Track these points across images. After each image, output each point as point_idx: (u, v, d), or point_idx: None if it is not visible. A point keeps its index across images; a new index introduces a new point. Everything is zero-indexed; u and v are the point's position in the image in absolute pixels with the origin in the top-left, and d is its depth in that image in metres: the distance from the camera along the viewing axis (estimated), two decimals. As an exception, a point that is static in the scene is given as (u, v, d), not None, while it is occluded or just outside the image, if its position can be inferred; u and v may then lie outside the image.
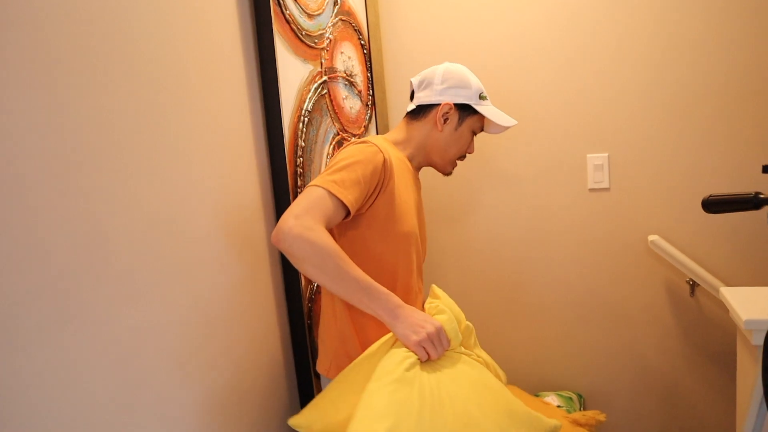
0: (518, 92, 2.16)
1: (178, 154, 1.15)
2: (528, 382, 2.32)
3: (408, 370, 1.12)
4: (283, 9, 1.49)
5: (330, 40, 1.76)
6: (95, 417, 0.92)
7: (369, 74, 2.08)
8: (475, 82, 1.54)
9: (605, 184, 2.13)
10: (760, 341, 1.23)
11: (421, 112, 1.53)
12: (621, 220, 2.14)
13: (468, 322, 1.34)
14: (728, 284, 2.06)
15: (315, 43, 1.66)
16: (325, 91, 1.72)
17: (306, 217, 1.19)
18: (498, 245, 2.27)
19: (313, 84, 1.65)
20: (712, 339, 2.13)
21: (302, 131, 1.58)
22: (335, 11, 1.80)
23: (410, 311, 1.22)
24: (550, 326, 2.28)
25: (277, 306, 1.50)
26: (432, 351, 1.19)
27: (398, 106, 2.27)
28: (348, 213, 1.29)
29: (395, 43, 2.24)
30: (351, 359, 1.34)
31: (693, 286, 2.11)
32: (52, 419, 0.84)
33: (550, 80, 2.12)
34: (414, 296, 1.47)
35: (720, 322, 2.10)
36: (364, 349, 1.35)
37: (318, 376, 1.60)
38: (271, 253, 1.48)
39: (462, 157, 1.59)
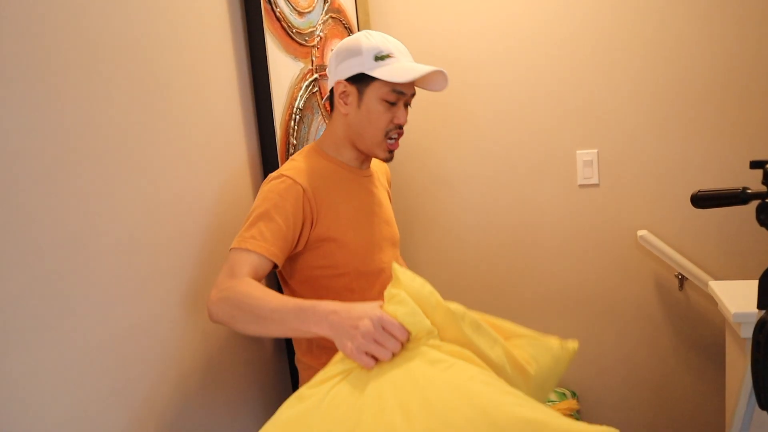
0: (508, 89, 2.17)
1: (169, 154, 1.15)
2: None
3: (311, 387, 0.91)
4: (274, 7, 1.49)
5: (320, 38, 1.76)
6: (91, 415, 0.92)
7: (359, 72, 2.08)
8: (368, 44, 1.31)
9: (595, 180, 2.15)
10: (749, 334, 1.24)
11: (330, 101, 1.40)
12: (610, 215, 2.15)
13: (455, 305, 0.98)
14: (717, 278, 2.08)
15: (306, 40, 1.66)
16: (315, 88, 1.72)
17: (224, 283, 1.11)
18: (488, 241, 2.28)
19: (304, 82, 1.65)
20: (701, 332, 2.15)
21: (294, 129, 1.59)
22: (325, 9, 1.80)
23: (344, 313, 0.96)
24: (541, 321, 2.29)
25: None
26: (378, 351, 0.91)
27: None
28: (276, 265, 1.21)
29: (385, 41, 2.24)
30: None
31: (682, 280, 2.13)
32: (44, 417, 0.84)
33: (539, 77, 2.13)
34: None
35: (709, 315, 2.13)
36: None
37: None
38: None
39: (393, 134, 1.36)
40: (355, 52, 1.32)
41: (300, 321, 0.99)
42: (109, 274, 0.97)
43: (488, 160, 2.23)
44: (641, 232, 2.10)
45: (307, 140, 1.66)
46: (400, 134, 1.38)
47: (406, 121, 1.36)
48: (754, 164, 0.93)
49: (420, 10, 2.20)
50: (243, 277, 1.11)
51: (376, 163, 1.55)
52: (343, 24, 1.94)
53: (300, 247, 1.28)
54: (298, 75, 1.62)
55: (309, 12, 1.69)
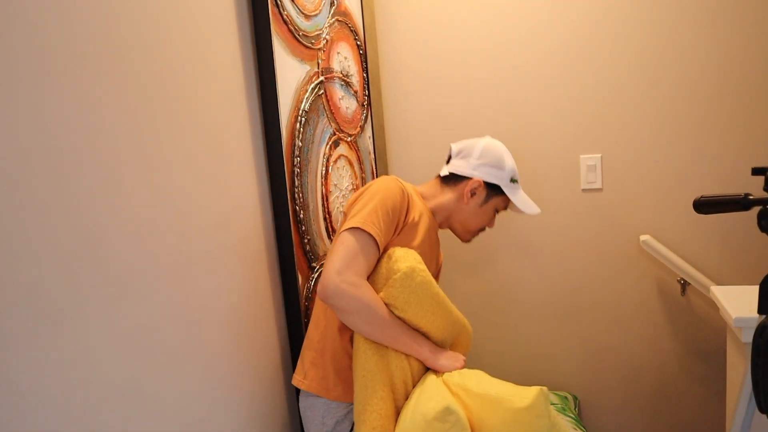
0: (512, 93, 2.18)
1: (175, 155, 1.16)
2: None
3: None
4: (281, 9, 1.50)
5: (327, 41, 1.77)
6: (91, 415, 0.93)
7: (365, 75, 2.09)
8: (510, 165, 1.61)
9: (598, 185, 2.16)
10: (749, 338, 1.25)
11: (452, 179, 1.63)
12: (613, 220, 2.16)
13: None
14: (719, 283, 2.08)
15: (312, 43, 1.67)
16: (321, 91, 1.73)
17: (348, 273, 1.27)
18: (491, 244, 2.29)
19: (310, 84, 1.67)
20: (703, 337, 2.15)
21: (299, 131, 1.60)
22: (332, 12, 1.81)
23: (441, 349, 1.41)
24: (543, 325, 2.30)
25: (274, 306, 1.51)
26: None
27: (393, 106, 2.28)
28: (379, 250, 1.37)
29: (391, 44, 2.25)
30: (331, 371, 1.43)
31: (684, 285, 2.13)
32: (48, 418, 0.86)
33: (544, 82, 2.14)
34: None
35: (711, 320, 2.13)
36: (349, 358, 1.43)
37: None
38: (269, 252, 1.49)
39: (482, 230, 1.67)
40: (500, 165, 1.60)
41: (416, 343, 1.34)
42: (116, 273, 0.98)
43: (492, 164, 2.23)
44: (644, 237, 2.10)
45: (313, 142, 1.68)
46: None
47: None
48: (756, 171, 0.94)
49: (425, 17, 2.21)
50: (365, 281, 1.31)
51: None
52: (349, 27, 1.96)
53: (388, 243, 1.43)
54: (304, 78, 1.64)
55: (315, 15, 1.70)
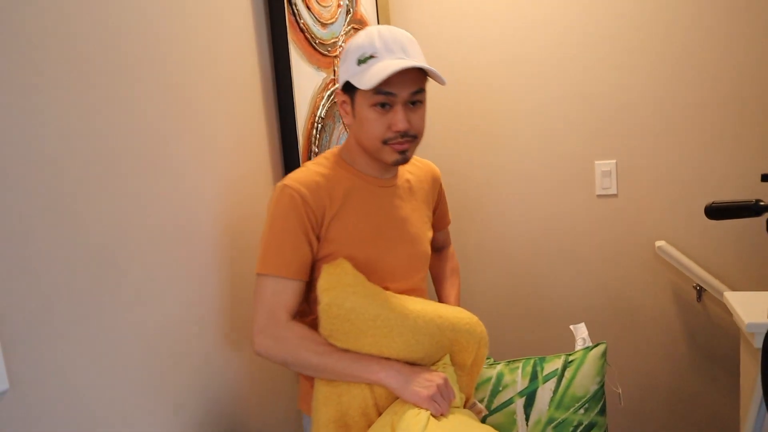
0: (528, 99, 2.19)
1: (195, 160, 1.19)
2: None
3: (424, 429, 1.06)
4: (298, 18, 1.53)
5: (342, 48, 1.81)
6: (92, 412, 0.96)
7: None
8: (354, 46, 1.21)
9: (613, 191, 2.16)
10: (761, 344, 1.25)
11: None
12: (628, 225, 2.16)
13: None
14: (734, 289, 2.08)
15: (328, 51, 1.70)
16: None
17: (269, 327, 1.16)
18: (508, 249, 2.30)
19: (326, 91, 1.70)
20: (718, 343, 2.15)
21: (316, 137, 1.63)
22: (348, 20, 1.85)
23: (412, 370, 1.16)
24: (559, 329, 2.30)
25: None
26: (442, 404, 1.13)
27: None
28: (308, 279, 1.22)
29: (406, 51, 2.28)
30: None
31: (700, 291, 2.13)
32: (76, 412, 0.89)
33: (559, 88, 2.15)
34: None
35: (726, 326, 2.12)
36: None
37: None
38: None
39: (395, 138, 1.20)
40: (344, 57, 1.24)
41: (363, 368, 1.14)
42: (135, 274, 1.01)
43: (508, 171, 2.25)
44: (659, 243, 2.10)
45: (329, 147, 1.70)
46: (409, 141, 1.22)
47: (407, 126, 1.19)
48: (765, 177, 0.95)
49: (442, 23, 2.24)
50: (287, 324, 1.16)
51: (419, 169, 1.42)
52: (365, 35, 1.99)
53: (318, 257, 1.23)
54: (321, 85, 1.67)
55: (332, 23, 1.73)
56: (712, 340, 2.15)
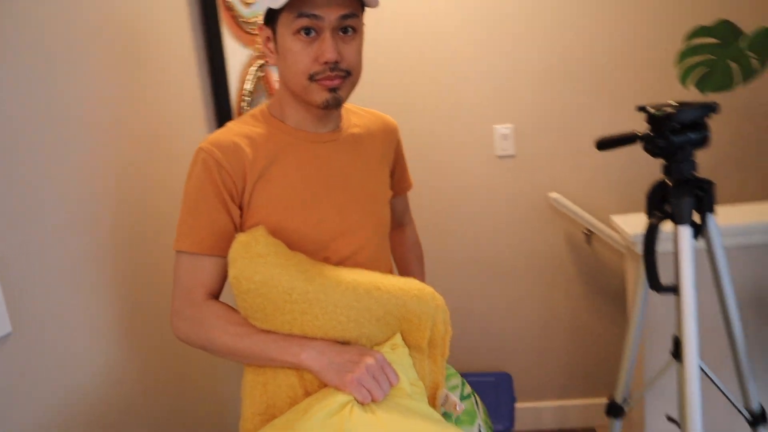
0: (430, 68, 2.39)
1: (130, 131, 1.25)
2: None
3: (332, 415, 0.90)
4: (224, -2, 1.63)
5: (262, 27, 1.92)
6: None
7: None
8: None
9: (511, 152, 2.41)
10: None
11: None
12: (525, 181, 2.43)
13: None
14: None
15: (251, 29, 1.81)
16: (261, 73, 1.87)
17: (184, 308, 1.05)
18: (415, 209, 2.50)
19: (252, 67, 1.81)
20: (608, 281, 2.46)
21: (245, 109, 1.74)
22: (264, 0, 1.95)
23: (342, 348, 1.00)
24: (466, 282, 2.53)
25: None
26: (375, 389, 0.95)
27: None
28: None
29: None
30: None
31: (589, 235, 2.43)
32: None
33: (458, 58, 2.37)
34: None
35: (613, 265, 2.44)
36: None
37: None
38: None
39: (323, 72, 1.04)
40: None
41: (282, 350, 0.99)
42: (54, 253, 1.03)
43: (414, 135, 2.44)
44: (553, 195, 2.38)
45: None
46: (341, 77, 1.05)
47: (335, 56, 1.02)
48: (640, 108, 1.19)
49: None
50: (203, 304, 1.05)
51: (369, 121, 1.27)
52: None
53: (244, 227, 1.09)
54: (246, 61, 1.77)
55: (253, 3, 1.84)
56: (602, 278, 2.46)
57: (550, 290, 2.50)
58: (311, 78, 1.04)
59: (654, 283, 1.16)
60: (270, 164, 1.07)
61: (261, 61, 1.87)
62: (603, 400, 2.53)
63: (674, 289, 1.15)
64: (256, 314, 1.00)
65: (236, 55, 1.70)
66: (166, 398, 1.25)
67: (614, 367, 2.47)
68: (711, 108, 1.16)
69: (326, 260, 1.09)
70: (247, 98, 1.75)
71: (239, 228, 1.07)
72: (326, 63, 1.02)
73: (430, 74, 2.39)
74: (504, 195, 2.45)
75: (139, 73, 1.27)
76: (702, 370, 1.18)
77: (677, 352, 1.20)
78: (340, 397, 0.92)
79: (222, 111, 1.61)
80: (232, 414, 1.46)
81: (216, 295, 1.07)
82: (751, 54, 1.47)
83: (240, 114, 1.70)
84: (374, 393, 0.94)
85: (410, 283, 1.08)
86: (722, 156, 2.30)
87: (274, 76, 1.99)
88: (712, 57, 1.55)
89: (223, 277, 1.07)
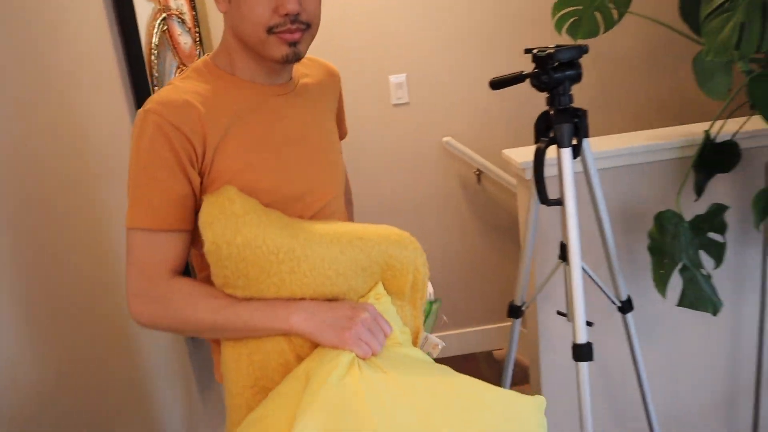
0: (326, 23, 2.48)
1: (38, 90, 1.28)
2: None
3: (342, 377, 0.86)
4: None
5: (162, -19, 1.93)
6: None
7: (194, 13, 2.26)
8: None
9: (405, 100, 2.58)
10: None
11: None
12: (420, 127, 2.61)
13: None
14: (505, 170, 2.65)
15: (153, -18, 1.82)
16: (165, 27, 1.89)
17: (147, 289, 0.96)
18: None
19: (156, 20, 1.83)
20: (500, 216, 2.73)
21: (155, 63, 1.77)
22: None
23: (333, 305, 0.96)
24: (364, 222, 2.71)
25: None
26: (372, 341, 0.93)
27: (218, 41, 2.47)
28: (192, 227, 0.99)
29: (210, -15, 2.43)
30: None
31: (479, 175, 2.67)
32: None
33: (353, 12, 2.48)
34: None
35: (503, 203, 2.70)
36: None
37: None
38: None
39: (283, 24, 0.97)
40: None
41: (269, 317, 0.93)
42: None
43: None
44: (446, 138, 2.59)
45: (165, 74, 1.85)
46: (302, 30, 0.98)
47: (297, 8, 0.96)
48: (527, 50, 1.38)
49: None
50: (170, 281, 0.96)
51: (315, 69, 1.21)
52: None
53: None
54: (151, 14, 1.79)
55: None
56: (494, 215, 2.72)
57: (446, 229, 2.73)
58: (270, 31, 0.96)
59: (543, 197, 1.37)
60: (230, 123, 0.99)
61: (164, 14, 1.89)
62: (499, 325, 2.83)
63: (560, 202, 1.37)
64: (237, 282, 0.92)
65: (142, 7, 1.72)
66: (80, 394, 1.17)
67: (508, 295, 2.77)
68: (582, 50, 1.37)
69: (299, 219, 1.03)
70: (154, 52, 1.78)
71: (198, 198, 0.98)
72: (287, 15, 0.95)
73: (327, 29, 2.49)
74: (400, 140, 2.62)
75: (47, 36, 1.28)
76: (583, 269, 1.42)
77: (564, 254, 1.43)
78: (344, 357, 0.88)
79: (136, 68, 1.64)
80: (158, 404, 1.50)
81: (180, 273, 0.98)
82: (611, 6, 1.70)
83: (150, 68, 1.73)
84: (373, 346, 0.93)
85: (388, 230, 1.05)
86: (593, 95, 2.60)
87: (177, 30, 2.01)
88: (580, 8, 1.77)
89: (187, 252, 1.00)
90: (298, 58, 1.00)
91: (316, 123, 1.12)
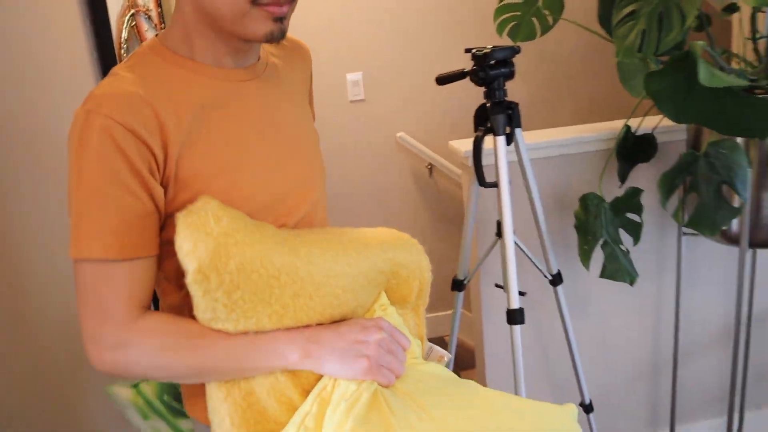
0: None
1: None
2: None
3: (367, 416, 0.74)
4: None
5: (131, -21, 2.04)
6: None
7: (160, 9, 2.37)
8: None
9: (362, 97, 2.74)
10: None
11: None
12: (375, 123, 2.78)
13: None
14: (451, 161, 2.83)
15: (123, -20, 1.94)
16: (134, 22, 2.01)
17: (106, 333, 0.78)
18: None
19: (125, 16, 1.94)
20: (448, 206, 2.91)
21: (125, 56, 1.88)
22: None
23: (336, 329, 0.82)
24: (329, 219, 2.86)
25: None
26: (394, 364, 0.81)
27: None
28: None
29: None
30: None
31: (431, 168, 2.85)
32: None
33: (312, 12, 2.63)
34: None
35: (452, 194, 2.89)
36: None
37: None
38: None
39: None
40: None
41: (264, 355, 0.78)
42: None
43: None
44: (399, 134, 2.76)
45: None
46: (289, 2, 0.84)
47: None
48: (467, 50, 1.55)
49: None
50: (138, 321, 0.79)
51: (283, 47, 1.02)
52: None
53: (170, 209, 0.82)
54: (120, 11, 1.91)
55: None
56: (444, 206, 2.90)
57: (399, 220, 2.90)
58: (254, 2, 0.79)
59: (481, 180, 1.55)
60: (194, 119, 0.81)
61: (132, 11, 2.01)
62: (448, 312, 3.01)
63: (495, 184, 1.54)
64: (230, 316, 0.76)
65: (115, 3, 1.84)
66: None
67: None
68: (515, 50, 1.55)
69: (283, 228, 0.87)
70: (124, 45, 1.90)
71: (162, 214, 0.81)
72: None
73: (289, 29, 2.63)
74: (356, 136, 2.78)
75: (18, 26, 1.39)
76: (517, 244, 1.59)
77: (500, 231, 1.60)
78: (365, 392, 0.76)
79: (108, 60, 1.76)
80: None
81: (147, 307, 0.81)
82: (546, 12, 1.89)
83: (120, 61, 1.84)
84: (395, 369, 0.81)
85: (390, 233, 0.95)
86: (535, 93, 2.81)
87: (145, 26, 2.13)
88: (519, 13, 1.96)
89: (153, 280, 0.82)
90: (283, 36, 0.85)
91: (288, 112, 0.94)
